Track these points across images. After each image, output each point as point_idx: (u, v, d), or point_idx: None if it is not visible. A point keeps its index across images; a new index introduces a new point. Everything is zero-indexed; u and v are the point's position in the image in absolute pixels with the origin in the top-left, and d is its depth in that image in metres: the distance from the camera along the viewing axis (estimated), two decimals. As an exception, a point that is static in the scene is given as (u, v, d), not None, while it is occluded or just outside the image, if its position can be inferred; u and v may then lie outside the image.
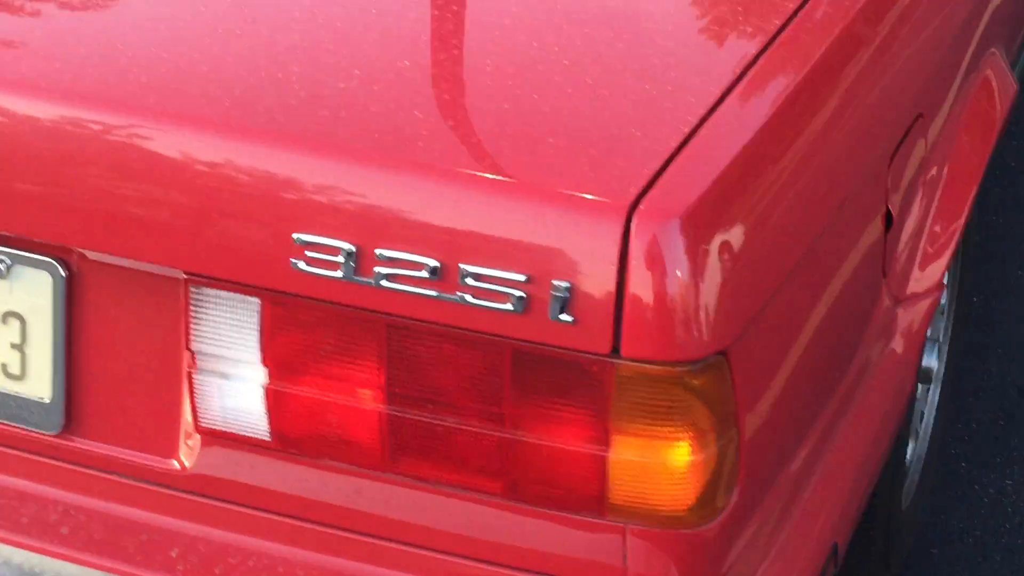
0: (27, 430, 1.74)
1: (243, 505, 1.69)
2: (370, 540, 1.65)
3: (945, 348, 2.69)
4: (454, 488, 1.59)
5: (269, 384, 1.61)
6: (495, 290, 1.47)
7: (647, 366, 1.47)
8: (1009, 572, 2.58)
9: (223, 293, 1.59)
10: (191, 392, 1.65)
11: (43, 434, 1.73)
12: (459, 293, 1.48)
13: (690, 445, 1.51)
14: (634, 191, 1.47)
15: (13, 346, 1.71)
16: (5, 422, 1.74)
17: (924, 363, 2.46)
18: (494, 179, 1.50)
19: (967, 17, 2.32)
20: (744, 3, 1.85)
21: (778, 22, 1.78)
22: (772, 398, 1.66)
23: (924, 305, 2.16)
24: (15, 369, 1.72)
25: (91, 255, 1.66)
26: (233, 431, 1.65)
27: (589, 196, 1.47)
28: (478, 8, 1.83)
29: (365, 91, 1.62)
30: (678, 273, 1.45)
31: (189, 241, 1.57)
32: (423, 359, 1.54)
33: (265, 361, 1.60)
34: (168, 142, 1.57)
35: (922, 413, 2.63)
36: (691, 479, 1.53)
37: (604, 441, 1.52)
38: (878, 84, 1.88)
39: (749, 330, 1.55)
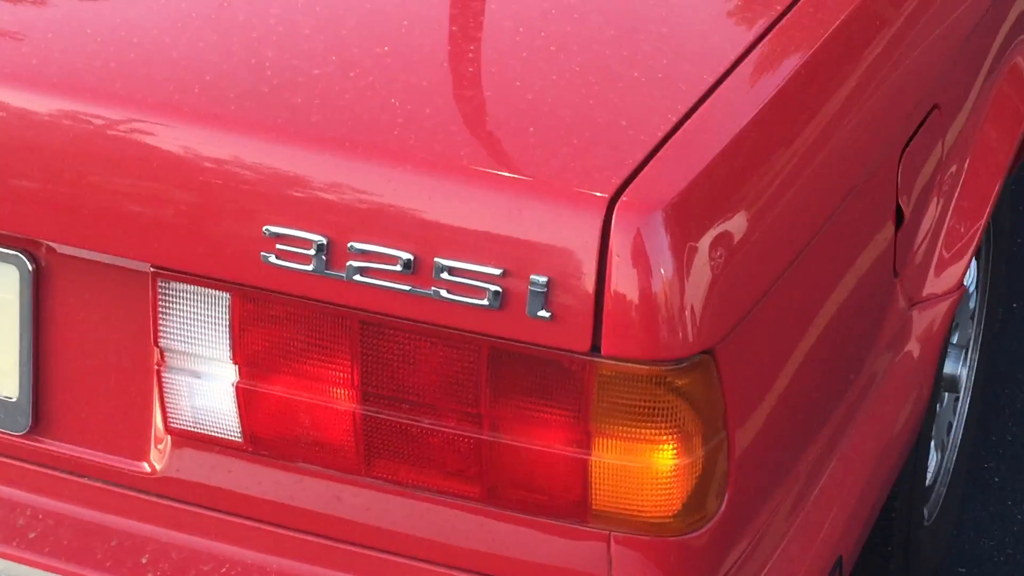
0: (-8, 430, 1.77)
1: (216, 510, 1.71)
2: (346, 547, 1.67)
3: (976, 356, 2.69)
4: (431, 493, 1.61)
5: (240, 383, 1.63)
6: (471, 285, 1.49)
7: (629, 365, 1.49)
8: (1041, 592, 2.58)
9: (192, 288, 1.62)
10: (160, 391, 1.68)
11: (9, 434, 1.76)
12: (434, 288, 1.50)
13: (675, 448, 1.52)
14: (616, 182, 1.48)
15: (-22, 342, 1.74)
16: (-31, 422, 1.77)
17: (950, 371, 2.46)
18: (471, 170, 1.52)
19: (994, 2, 2.32)
20: None
21: (780, 7, 1.79)
22: (767, 401, 1.67)
23: (943, 308, 2.16)
24: (-20, 366, 1.75)
25: (59, 248, 1.68)
26: (204, 432, 1.67)
27: (569, 187, 1.48)
28: None
29: (340, 79, 1.64)
30: (661, 269, 1.46)
31: (156, 233, 1.60)
32: (397, 357, 1.56)
33: (235, 358, 1.62)
34: (135, 132, 1.60)
35: (950, 424, 2.63)
36: (677, 484, 1.54)
37: (585, 443, 1.53)
38: (888, 73, 1.88)
39: (739, 329, 1.56)
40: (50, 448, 1.76)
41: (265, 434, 1.65)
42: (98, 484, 1.75)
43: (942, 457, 2.59)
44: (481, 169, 1.52)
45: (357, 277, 1.52)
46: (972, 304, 2.58)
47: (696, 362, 1.51)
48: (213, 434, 1.67)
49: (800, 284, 1.70)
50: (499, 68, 1.67)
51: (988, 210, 2.24)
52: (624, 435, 1.52)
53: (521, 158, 1.53)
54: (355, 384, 1.58)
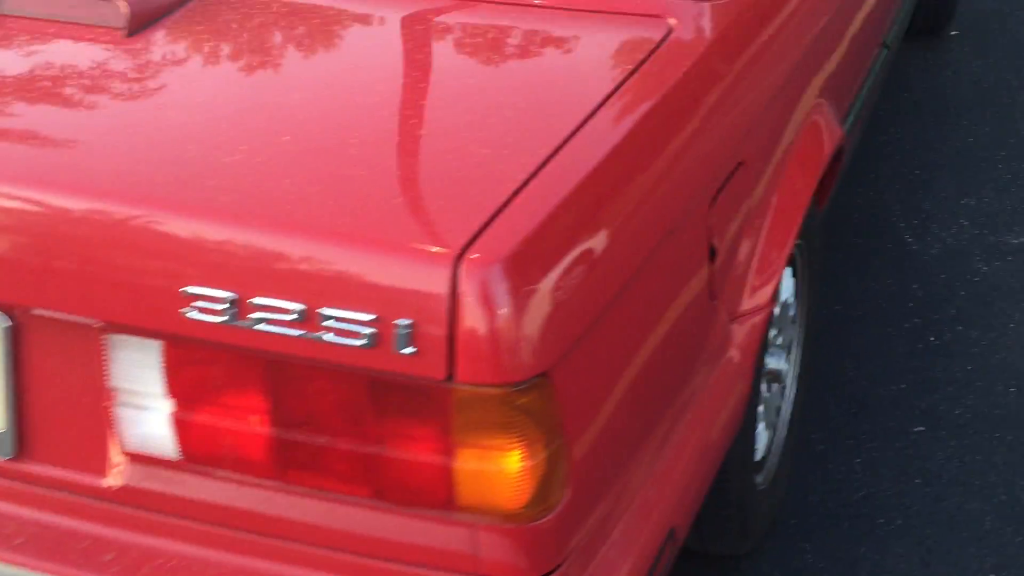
0: (-16, 457, 1.72)
1: (164, 514, 1.67)
2: (269, 540, 1.63)
3: (799, 352, 2.66)
4: (333, 494, 1.58)
5: (175, 413, 1.59)
6: (350, 329, 1.46)
7: (479, 389, 1.46)
8: (855, 535, 2.55)
9: (131, 338, 1.58)
10: (113, 422, 1.63)
11: (-2, 460, 1.72)
12: (319, 333, 1.47)
13: (521, 453, 1.49)
14: (462, 241, 1.45)
15: (-31, 387, 1.70)
16: (-34, 451, 1.73)
17: (774, 366, 2.43)
18: (348, 234, 1.48)
19: (795, 79, 2.29)
20: (585, 64, 1.83)
21: (612, 84, 1.76)
22: (602, 411, 1.63)
23: (758, 319, 2.13)
24: (-28, 406, 1.71)
25: (31, 309, 1.64)
26: (150, 453, 1.63)
27: (425, 247, 1.45)
28: (333, 85, 1.80)
29: (246, 165, 1.60)
30: (501, 309, 1.43)
31: (101, 295, 1.56)
32: (297, 388, 1.53)
33: (170, 394, 1.59)
34: (81, 213, 1.56)
35: (778, 408, 2.60)
36: (524, 482, 1.51)
37: (450, 453, 1.50)
38: (697, 139, 1.85)
39: (572, 353, 1.53)
40: (31, 470, 1.72)
41: (197, 452, 1.61)
42: (70, 497, 1.71)
43: (773, 434, 2.55)
44: (355, 234, 1.48)
45: (260, 326, 1.49)
46: (792, 312, 2.55)
47: (535, 383, 1.47)
48: (157, 454, 1.63)
49: (625, 312, 1.67)
50: (376, 151, 1.64)
51: (792, 239, 2.20)
52: (479, 444, 1.49)
53: (389, 222, 1.50)
54: (265, 411, 1.55)
